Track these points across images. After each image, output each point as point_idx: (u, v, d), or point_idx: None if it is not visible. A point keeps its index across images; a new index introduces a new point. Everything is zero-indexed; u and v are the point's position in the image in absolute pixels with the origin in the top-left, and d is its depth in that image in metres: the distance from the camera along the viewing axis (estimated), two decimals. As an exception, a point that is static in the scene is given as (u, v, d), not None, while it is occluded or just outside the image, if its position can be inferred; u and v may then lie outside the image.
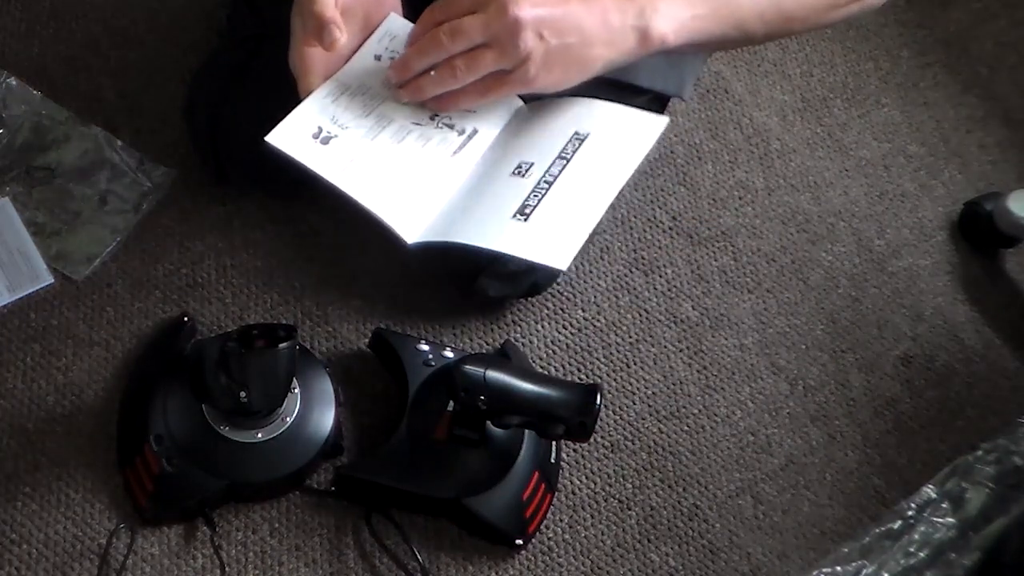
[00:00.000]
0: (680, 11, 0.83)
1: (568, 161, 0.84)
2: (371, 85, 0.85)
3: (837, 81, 1.53)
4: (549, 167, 0.84)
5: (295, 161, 0.81)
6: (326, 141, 0.82)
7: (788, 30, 0.95)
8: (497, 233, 0.80)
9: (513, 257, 0.81)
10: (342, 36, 0.79)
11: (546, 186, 0.82)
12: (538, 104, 0.89)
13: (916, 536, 1.19)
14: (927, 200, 1.45)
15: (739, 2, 0.86)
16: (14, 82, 1.25)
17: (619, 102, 1.08)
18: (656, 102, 1.15)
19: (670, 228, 1.34)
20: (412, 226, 0.83)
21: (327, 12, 0.78)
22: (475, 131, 0.86)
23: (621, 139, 0.86)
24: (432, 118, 0.86)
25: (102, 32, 1.32)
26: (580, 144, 0.85)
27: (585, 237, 0.81)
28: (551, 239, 0.80)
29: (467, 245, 0.80)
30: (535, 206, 0.81)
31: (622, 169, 0.85)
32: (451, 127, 0.86)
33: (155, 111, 1.27)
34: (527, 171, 0.84)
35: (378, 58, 0.86)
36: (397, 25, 0.88)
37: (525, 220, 0.80)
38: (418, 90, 0.84)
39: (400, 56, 0.85)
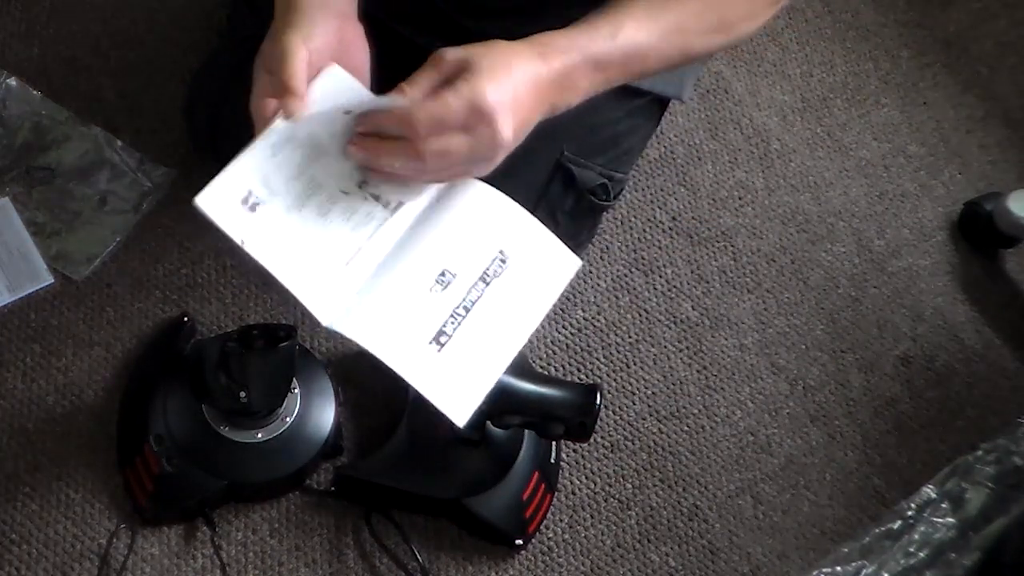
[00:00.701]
0: (595, 84, 0.84)
1: (487, 286, 0.83)
2: (318, 133, 0.82)
3: (837, 81, 1.53)
4: (470, 289, 0.83)
5: (218, 230, 0.78)
6: (253, 208, 0.79)
7: (686, 62, 0.94)
8: (410, 359, 0.79)
9: (416, 391, 0.80)
10: (303, 110, 0.77)
11: (463, 312, 0.82)
12: (469, 195, 0.86)
13: (916, 536, 1.19)
14: (927, 200, 1.45)
15: (646, 58, 0.86)
16: (14, 82, 1.25)
17: (621, 101, 1.08)
18: (656, 103, 1.15)
19: (670, 228, 1.34)
20: (327, 309, 0.81)
21: (293, 83, 0.77)
22: (400, 204, 0.84)
23: (536, 275, 0.86)
24: (360, 186, 0.84)
25: (102, 32, 1.32)
26: (501, 269, 0.84)
27: (487, 391, 0.81)
28: (457, 386, 0.80)
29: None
30: (451, 335, 0.81)
31: (533, 312, 0.85)
32: (377, 198, 0.84)
33: (155, 111, 1.27)
34: (448, 284, 0.83)
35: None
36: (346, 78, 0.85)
37: (440, 350, 0.80)
38: (376, 165, 0.82)
39: (377, 146, 0.81)
